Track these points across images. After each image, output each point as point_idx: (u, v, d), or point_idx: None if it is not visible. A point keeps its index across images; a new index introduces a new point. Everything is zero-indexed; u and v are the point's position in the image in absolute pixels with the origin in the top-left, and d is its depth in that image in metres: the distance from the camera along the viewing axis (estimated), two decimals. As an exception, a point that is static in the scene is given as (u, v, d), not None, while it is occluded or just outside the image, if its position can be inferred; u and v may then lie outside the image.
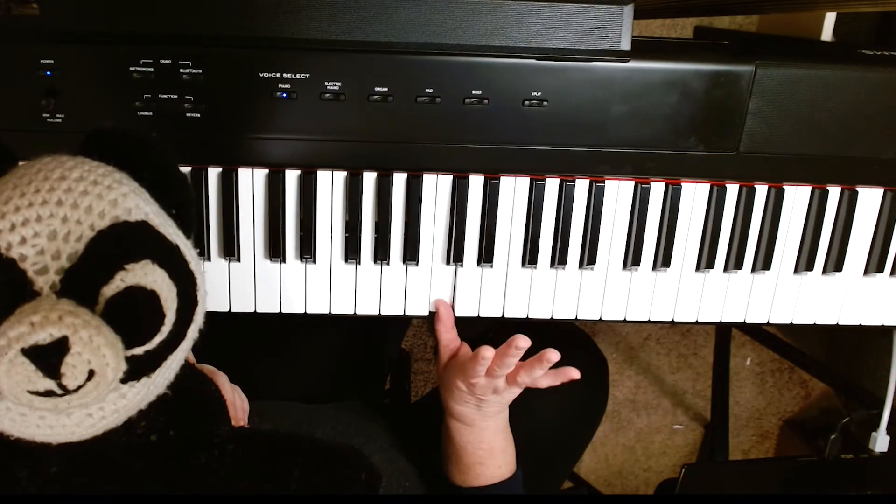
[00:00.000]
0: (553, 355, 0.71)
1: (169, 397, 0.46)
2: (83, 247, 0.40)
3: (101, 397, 0.40)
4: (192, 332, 0.46)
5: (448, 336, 0.76)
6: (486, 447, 0.75)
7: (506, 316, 0.77)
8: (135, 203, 0.43)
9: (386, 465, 0.77)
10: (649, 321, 0.79)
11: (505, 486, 0.76)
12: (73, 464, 0.46)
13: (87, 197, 0.41)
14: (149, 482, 0.48)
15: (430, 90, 0.68)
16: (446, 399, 0.75)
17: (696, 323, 0.79)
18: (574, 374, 0.74)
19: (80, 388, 0.38)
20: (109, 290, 0.39)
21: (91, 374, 0.38)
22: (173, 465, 0.48)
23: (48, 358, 0.36)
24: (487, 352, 0.68)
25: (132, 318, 0.40)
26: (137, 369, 0.42)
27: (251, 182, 0.72)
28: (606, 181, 0.74)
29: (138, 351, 0.41)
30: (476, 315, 0.77)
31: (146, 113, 0.67)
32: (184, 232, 0.47)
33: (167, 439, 0.48)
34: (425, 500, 0.80)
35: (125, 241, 0.41)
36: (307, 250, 0.73)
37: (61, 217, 0.40)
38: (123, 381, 0.41)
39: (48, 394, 0.38)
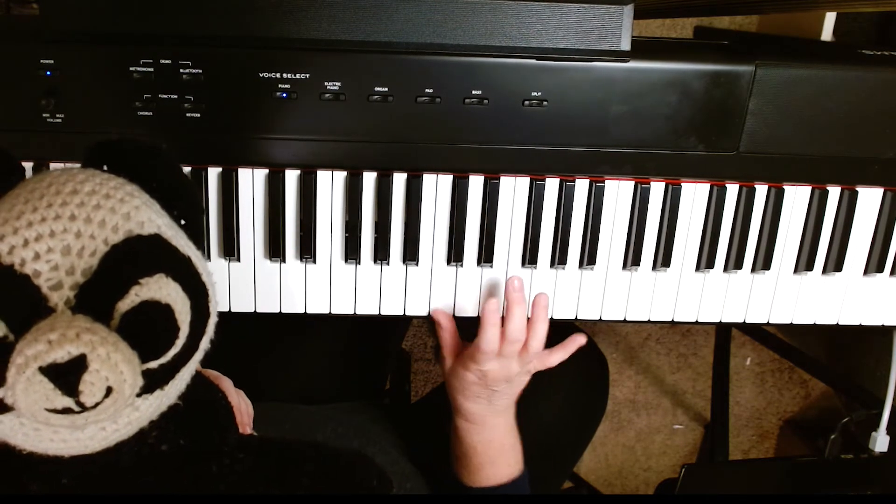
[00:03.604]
0: (581, 338, 0.75)
1: (180, 407, 0.46)
2: (97, 262, 0.40)
3: (118, 413, 0.40)
4: (204, 343, 0.45)
5: (452, 341, 0.76)
6: (497, 446, 0.75)
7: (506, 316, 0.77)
8: (147, 216, 0.43)
9: (388, 467, 0.77)
10: (649, 321, 0.79)
11: (514, 486, 0.76)
12: (85, 475, 0.45)
13: (100, 211, 0.41)
14: (160, 492, 0.47)
15: (430, 90, 0.68)
16: (456, 399, 0.75)
17: (696, 323, 0.79)
18: (581, 339, 0.75)
19: (97, 404, 0.38)
20: (124, 304, 0.39)
21: (109, 390, 0.37)
22: (184, 475, 0.48)
23: (66, 376, 0.36)
24: (492, 303, 0.70)
25: (148, 332, 0.40)
26: (152, 382, 0.41)
27: (251, 182, 0.72)
28: (606, 181, 0.74)
29: (153, 365, 0.41)
30: (476, 315, 0.77)
31: (146, 113, 0.67)
32: (194, 242, 0.47)
33: (178, 449, 0.47)
34: (427, 501, 0.80)
35: (139, 255, 0.41)
36: (307, 250, 0.73)
37: (75, 232, 0.40)
38: (138, 394, 0.41)
39: (66, 411, 0.37)
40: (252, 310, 0.75)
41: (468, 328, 0.76)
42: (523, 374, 0.73)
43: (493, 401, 0.73)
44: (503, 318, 0.71)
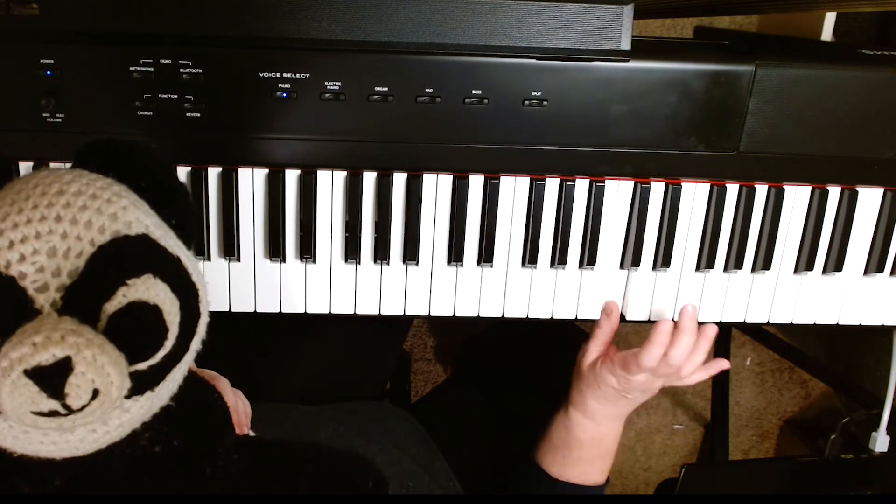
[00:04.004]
0: (724, 363, 0.75)
1: (173, 408, 0.46)
2: (83, 263, 0.39)
3: (105, 415, 0.40)
4: (195, 344, 0.45)
5: (607, 339, 0.75)
6: (604, 448, 0.76)
7: (506, 316, 0.77)
8: (135, 216, 0.43)
9: (388, 466, 0.77)
10: (650, 321, 0.79)
11: (595, 491, 0.76)
12: (77, 477, 0.45)
13: (87, 212, 0.41)
14: (153, 493, 0.47)
15: (430, 90, 0.68)
16: (583, 394, 0.75)
17: (697, 323, 0.79)
18: (724, 364, 0.75)
19: (84, 407, 0.37)
20: (111, 306, 0.39)
21: (95, 392, 0.37)
22: (178, 477, 0.48)
23: (52, 379, 0.36)
24: (666, 325, 0.69)
25: (135, 334, 0.40)
26: (141, 384, 0.41)
27: (251, 182, 0.72)
28: (606, 181, 0.74)
29: (142, 366, 0.40)
30: (476, 315, 0.77)
31: (146, 113, 0.67)
32: (184, 242, 0.47)
33: (171, 450, 0.47)
34: (427, 501, 0.80)
35: (126, 256, 0.41)
36: (307, 250, 0.73)
37: (60, 233, 0.39)
38: (127, 396, 0.41)
39: (52, 414, 0.37)
40: (252, 310, 0.75)
41: (468, 327, 0.76)
42: (656, 388, 0.74)
43: (619, 405, 0.74)
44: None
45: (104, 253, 0.40)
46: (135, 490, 0.46)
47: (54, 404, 0.37)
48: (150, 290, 0.40)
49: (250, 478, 0.50)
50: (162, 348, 0.41)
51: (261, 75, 0.67)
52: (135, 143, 0.47)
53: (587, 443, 0.75)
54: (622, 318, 0.78)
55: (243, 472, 0.49)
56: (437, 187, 0.73)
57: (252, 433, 0.63)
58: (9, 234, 0.39)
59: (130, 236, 0.42)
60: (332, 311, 0.76)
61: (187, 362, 0.45)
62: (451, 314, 0.77)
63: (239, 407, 0.64)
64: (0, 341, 0.37)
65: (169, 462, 0.47)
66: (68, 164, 0.69)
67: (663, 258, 0.76)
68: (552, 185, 0.74)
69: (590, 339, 0.75)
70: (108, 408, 0.38)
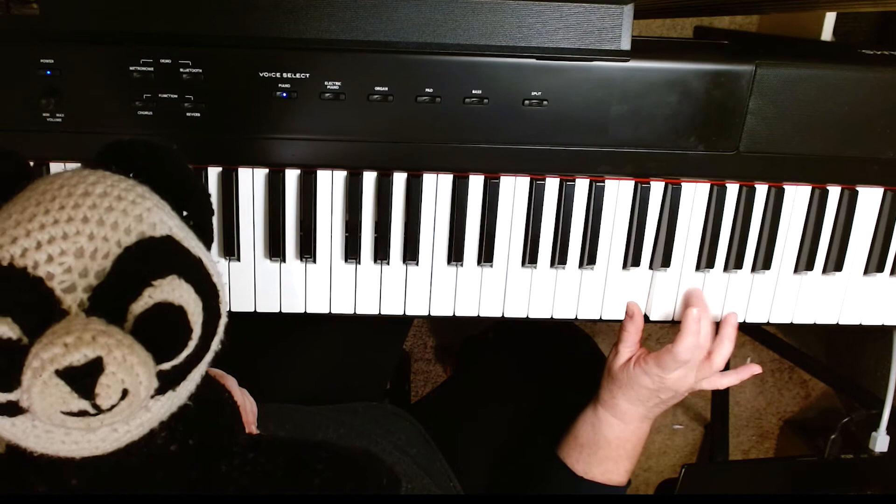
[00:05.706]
0: (756, 368, 0.76)
1: (190, 408, 0.46)
2: (110, 264, 0.40)
3: (132, 415, 0.40)
4: (215, 344, 0.46)
5: (636, 337, 0.76)
6: (630, 448, 0.76)
7: (506, 316, 0.77)
8: (159, 218, 0.43)
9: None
10: (650, 321, 0.79)
11: (617, 491, 0.77)
12: (94, 476, 0.45)
13: (113, 213, 0.41)
14: (169, 492, 0.47)
15: (430, 90, 0.68)
16: (614, 394, 0.75)
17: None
18: (756, 368, 0.76)
19: (113, 407, 0.38)
20: (138, 307, 0.39)
21: (125, 393, 0.37)
22: (193, 475, 0.48)
23: (83, 379, 0.36)
24: (694, 311, 0.70)
25: (162, 334, 0.40)
26: (164, 384, 0.41)
27: (251, 182, 0.72)
28: (606, 181, 0.74)
29: (166, 366, 0.41)
30: (476, 315, 0.77)
31: (146, 113, 0.67)
32: (204, 244, 0.47)
33: (187, 448, 0.47)
34: (428, 501, 0.80)
35: (152, 258, 0.41)
36: (307, 250, 0.73)
37: (87, 234, 0.40)
38: (151, 396, 0.41)
39: (82, 413, 0.37)
40: (252, 309, 0.75)
41: (468, 327, 0.76)
42: (688, 389, 0.74)
43: (649, 406, 0.74)
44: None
45: (131, 254, 0.40)
46: (151, 489, 0.47)
47: (84, 404, 0.37)
48: (175, 291, 0.40)
49: (266, 476, 0.50)
50: (186, 348, 0.41)
51: (261, 75, 0.67)
52: (156, 144, 0.47)
53: (614, 441, 0.75)
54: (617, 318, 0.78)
55: (259, 471, 0.49)
56: (437, 187, 0.73)
57: (259, 432, 0.63)
58: (36, 235, 0.39)
59: (156, 238, 0.42)
60: (332, 311, 0.76)
61: (206, 362, 0.45)
62: (451, 314, 0.77)
63: (246, 405, 0.64)
64: (29, 342, 0.37)
65: (185, 461, 0.47)
66: (69, 164, 0.69)
67: (663, 258, 0.76)
68: (552, 184, 0.74)
69: (619, 342, 0.76)
70: (135, 408, 0.39)
